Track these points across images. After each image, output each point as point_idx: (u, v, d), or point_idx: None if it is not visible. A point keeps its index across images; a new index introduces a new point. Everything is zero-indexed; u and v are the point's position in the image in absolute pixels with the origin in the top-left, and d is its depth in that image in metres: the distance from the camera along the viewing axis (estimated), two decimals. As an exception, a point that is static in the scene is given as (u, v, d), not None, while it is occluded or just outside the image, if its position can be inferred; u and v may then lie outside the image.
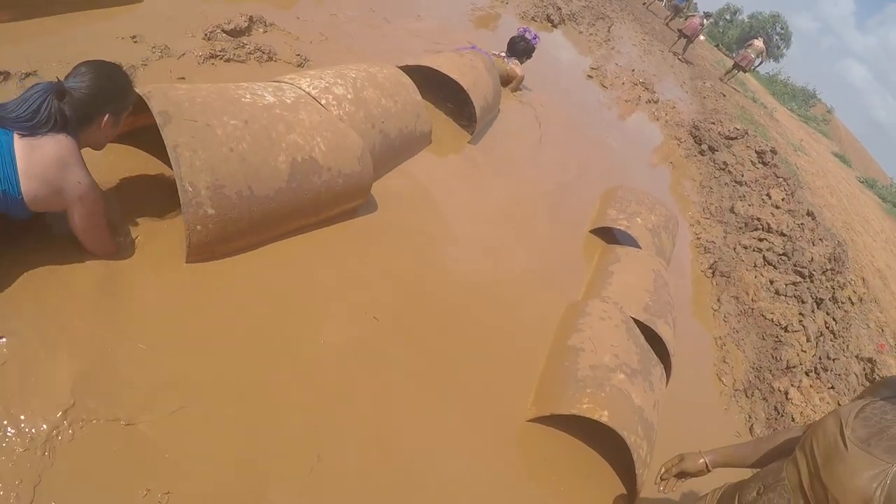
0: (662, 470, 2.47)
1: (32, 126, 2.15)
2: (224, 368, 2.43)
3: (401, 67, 4.70)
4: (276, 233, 3.08)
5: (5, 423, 1.90)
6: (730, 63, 22.82)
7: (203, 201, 2.58)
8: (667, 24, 25.01)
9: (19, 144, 2.12)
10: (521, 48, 7.08)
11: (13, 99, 2.19)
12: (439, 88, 5.56)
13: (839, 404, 5.12)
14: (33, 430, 1.92)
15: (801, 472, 1.84)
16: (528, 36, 7.14)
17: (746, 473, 2.26)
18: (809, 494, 1.78)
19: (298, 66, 4.77)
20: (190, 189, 2.53)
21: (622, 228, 5.24)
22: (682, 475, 2.42)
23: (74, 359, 2.15)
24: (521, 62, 7.12)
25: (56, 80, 2.30)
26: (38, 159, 2.14)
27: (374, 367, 2.88)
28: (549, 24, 11.44)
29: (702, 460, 2.37)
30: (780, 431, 2.31)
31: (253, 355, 2.55)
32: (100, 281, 2.44)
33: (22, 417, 1.93)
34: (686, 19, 20.42)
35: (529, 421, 3.20)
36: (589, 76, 10.07)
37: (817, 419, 2.19)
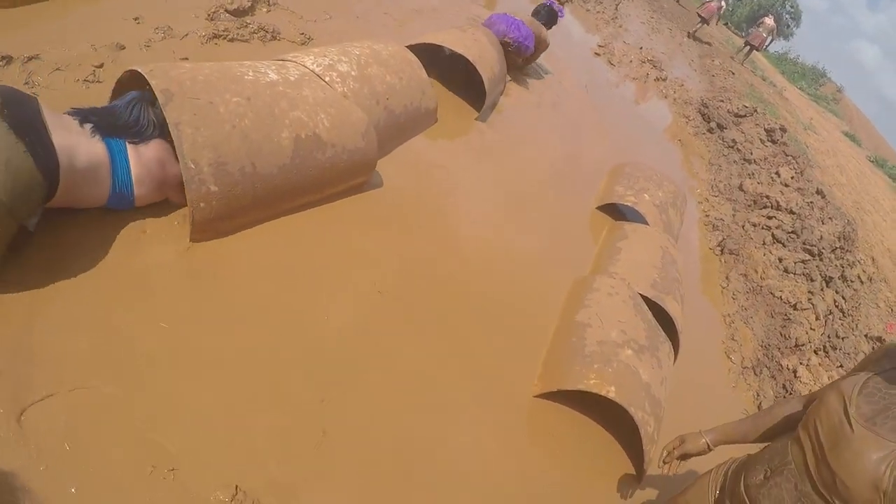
0: (664, 453, 2.45)
1: (137, 132, 2.53)
2: (229, 345, 2.43)
3: (407, 47, 4.66)
4: (281, 209, 3.08)
5: (16, 400, 1.91)
6: (739, 41, 22.57)
7: (206, 178, 2.57)
8: (677, 2, 24.78)
9: (130, 151, 2.49)
10: (543, 13, 7.00)
11: (111, 105, 2.56)
12: (446, 66, 5.53)
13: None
14: (42, 408, 1.93)
15: (806, 454, 1.80)
16: (554, 7, 7.08)
17: (752, 448, 2.24)
18: (816, 478, 1.74)
19: (302, 44, 4.73)
20: (192, 166, 2.52)
21: (630, 205, 5.21)
22: (684, 456, 2.40)
23: (80, 339, 2.16)
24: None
25: (145, 91, 2.64)
26: (145, 164, 2.52)
27: (380, 343, 2.88)
28: (556, 1, 11.32)
29: (703, 440, 2.34)
30: (778, 404, 2.27)
31: (258, 332, 2.55)
32: (104, 263, 2.44)
33: (33, 396, 1.94)
34: (703, 4, 20.24)
35: (536, 396, 3.20)
36: (596, 54, 9.99)
37: (817, 390, 2.16)
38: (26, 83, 3.06)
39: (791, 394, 4.85)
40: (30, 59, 3.19)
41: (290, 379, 2.47)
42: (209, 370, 2.31)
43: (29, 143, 2.09)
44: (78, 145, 2.28)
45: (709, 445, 2.34)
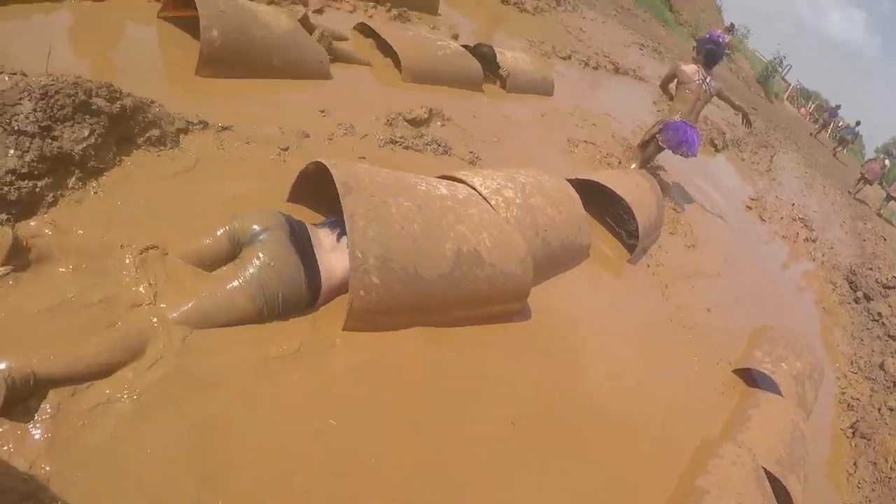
0: None
1: None
2: (354, 443, 2.43)
3: (568, 180, 4.82)
4: (434, 318, 3.12)
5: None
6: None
7: (370, 269, 2.72)
8: (834, 155, 24.65)
9: None
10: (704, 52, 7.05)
11: None
12: (602, 203, 5.66)
13: None
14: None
15: None
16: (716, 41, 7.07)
17: None
18: None
19: (471, 162, 4.99)
20: (360, 255, 2.70)
21: (766, 373, 5.04)
22: None
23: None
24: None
25: None
26: None
27: (505, 470, 2.81)
28: (713, 149, 11.40)
29: None
30: None
31: (381, 435, 2.54)
32: (254, 337, 2.57)
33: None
34: (866, 162, 20.14)
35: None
36: (748, 207, 9.83)
37: None
38: (219, 148, 3.45)
39: None
40: (224, 128, 3.61)
41: (410, 496, 2.42)
42: (320, 462, 2.30)
43: (305, 267, 2.70)
44: (336, 262, 2.86)
45: None
